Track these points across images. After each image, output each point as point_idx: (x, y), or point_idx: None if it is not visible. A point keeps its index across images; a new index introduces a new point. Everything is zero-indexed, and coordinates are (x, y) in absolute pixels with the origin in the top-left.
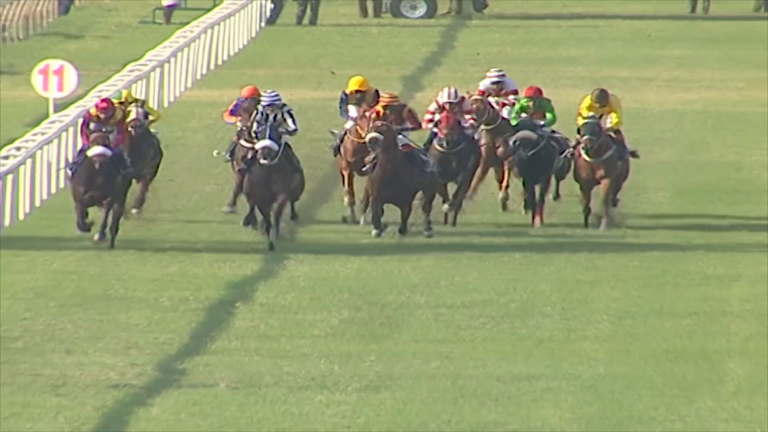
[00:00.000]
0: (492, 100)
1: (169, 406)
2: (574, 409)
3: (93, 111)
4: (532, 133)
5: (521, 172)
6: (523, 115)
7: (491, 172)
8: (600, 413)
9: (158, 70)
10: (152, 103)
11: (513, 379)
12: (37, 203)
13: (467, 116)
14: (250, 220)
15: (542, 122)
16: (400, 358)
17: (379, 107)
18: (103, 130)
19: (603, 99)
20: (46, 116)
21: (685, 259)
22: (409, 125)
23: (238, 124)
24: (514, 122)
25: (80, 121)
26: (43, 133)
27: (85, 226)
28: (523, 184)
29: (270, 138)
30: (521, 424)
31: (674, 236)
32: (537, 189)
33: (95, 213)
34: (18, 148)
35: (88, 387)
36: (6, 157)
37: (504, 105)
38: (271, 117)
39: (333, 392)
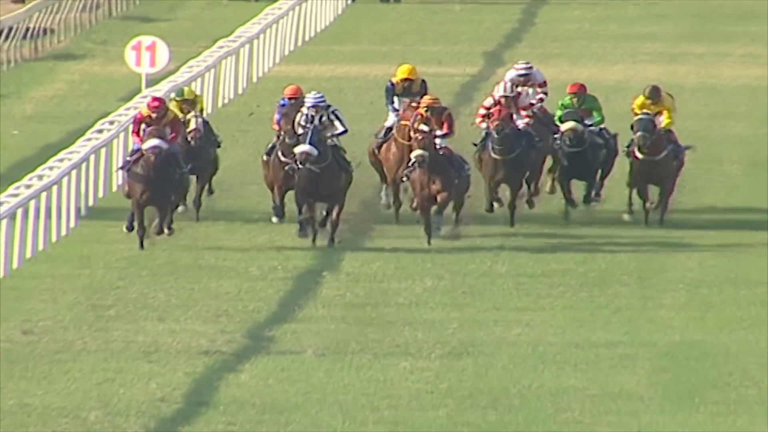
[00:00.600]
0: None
1: (257, 372)
2: (650, 375)
3: (145, 111)
4: (578, 124)
5: (565, 166)
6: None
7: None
8: (676, 379)
9: (247, 46)
10: (241, 79)
11: (591, 346)
12: None
13: (523, 113)
14: (301, 226)
15: (589, 122)
16: (482, 325)
17: (421, 109)
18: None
19: (656, 95)
20: (139, 91)
21: (758, 229)
22: (444, 131)
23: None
24: (558, 115)
25: (131, 123)
26: (135, 107)
27: (140, 228)
28: (561, 180)
29: (310, 143)
30: (599, 389)
31: (748, 207)
32: (584, 186)
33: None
34: (111, 122)
35: (180, 354)
36: (100, 131)
37: (534, 103)
38: (316, 119)
39: (417, 359)
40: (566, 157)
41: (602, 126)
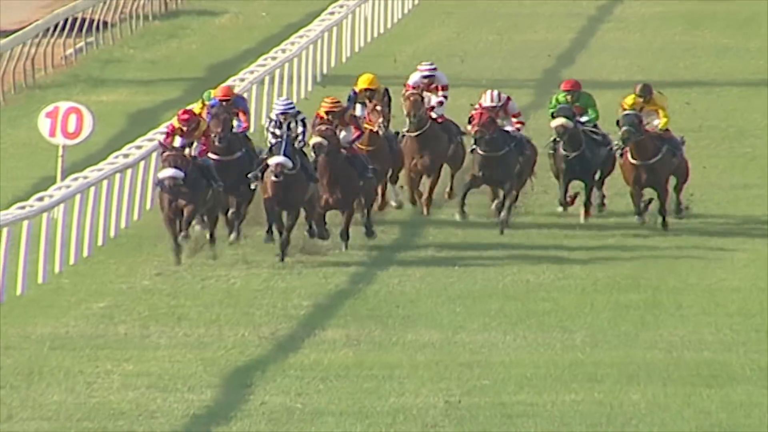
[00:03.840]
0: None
1: None
2: None
3: (176, 123)
4: (569, 120)
5: (559, 167)
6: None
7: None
8: None
9: None
10: None
11: (731, 188)
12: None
13: (514, 119)
14: (269, 236)
15: (583, 118)
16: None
17: (321, 112)
18: (187, 144)
19: (647, 93)
20: None
21: None
22: (353, 133)
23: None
24: (551, 111)
25: (161, 137)
26: None
27: (176, 246)
28: (557, 179)
29: (285, 154)
30: (737, 226)
31: None
32: (581, 187)
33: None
34: (342, 6)
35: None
36: (332, 13)
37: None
38: (284, 126)
39: None
40: (560, 157)
41: (596, 124)
